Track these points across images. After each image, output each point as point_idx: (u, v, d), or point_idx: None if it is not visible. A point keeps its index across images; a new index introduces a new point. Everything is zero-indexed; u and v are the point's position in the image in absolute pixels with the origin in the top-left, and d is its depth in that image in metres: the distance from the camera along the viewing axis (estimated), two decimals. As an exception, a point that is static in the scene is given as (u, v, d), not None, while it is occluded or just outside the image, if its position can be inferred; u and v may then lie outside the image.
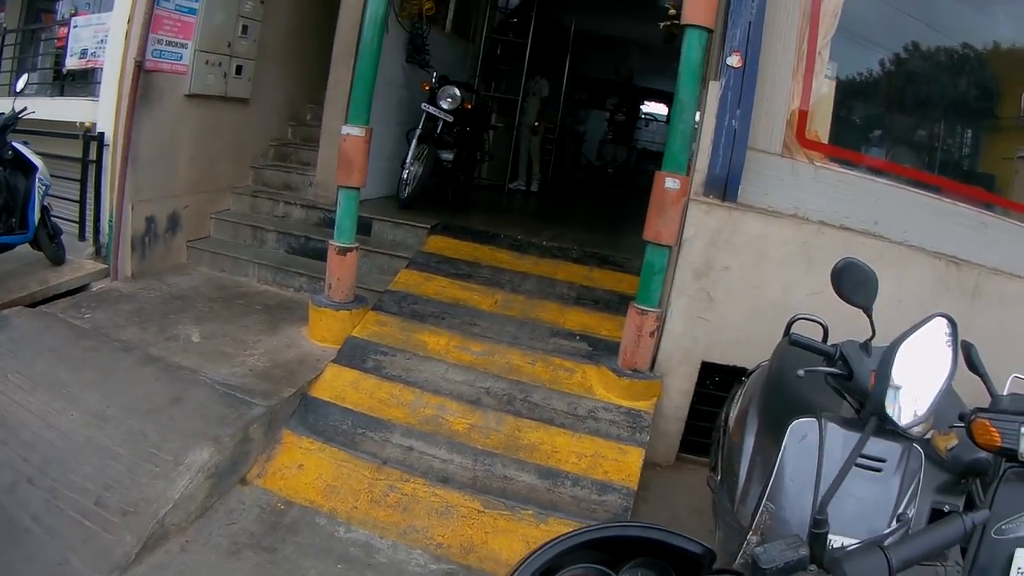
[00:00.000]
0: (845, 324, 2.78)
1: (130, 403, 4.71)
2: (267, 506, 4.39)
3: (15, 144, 5.89)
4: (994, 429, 2.74)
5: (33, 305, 5.85)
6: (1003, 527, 2.70)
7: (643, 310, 5.19)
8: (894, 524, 2.36)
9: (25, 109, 5.97)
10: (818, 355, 2.74)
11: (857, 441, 1.85)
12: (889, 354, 2.05)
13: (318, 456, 4.73)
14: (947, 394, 2.84)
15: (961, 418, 2.86)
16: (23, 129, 6.10)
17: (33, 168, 5.96)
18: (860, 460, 2.39)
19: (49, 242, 6.28)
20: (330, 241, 5.88)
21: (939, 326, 2.17)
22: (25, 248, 6.15)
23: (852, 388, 2.59)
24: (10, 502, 4.04)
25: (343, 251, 5.81)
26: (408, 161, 8.01)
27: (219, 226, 7.65)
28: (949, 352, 2.20)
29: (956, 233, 5.10)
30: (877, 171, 5.42)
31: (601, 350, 5.64)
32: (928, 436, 3.29)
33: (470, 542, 4.24)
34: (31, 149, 6.04)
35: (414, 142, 8.08)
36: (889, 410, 2.22)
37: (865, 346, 2.62)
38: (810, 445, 2.50)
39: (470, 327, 5.90)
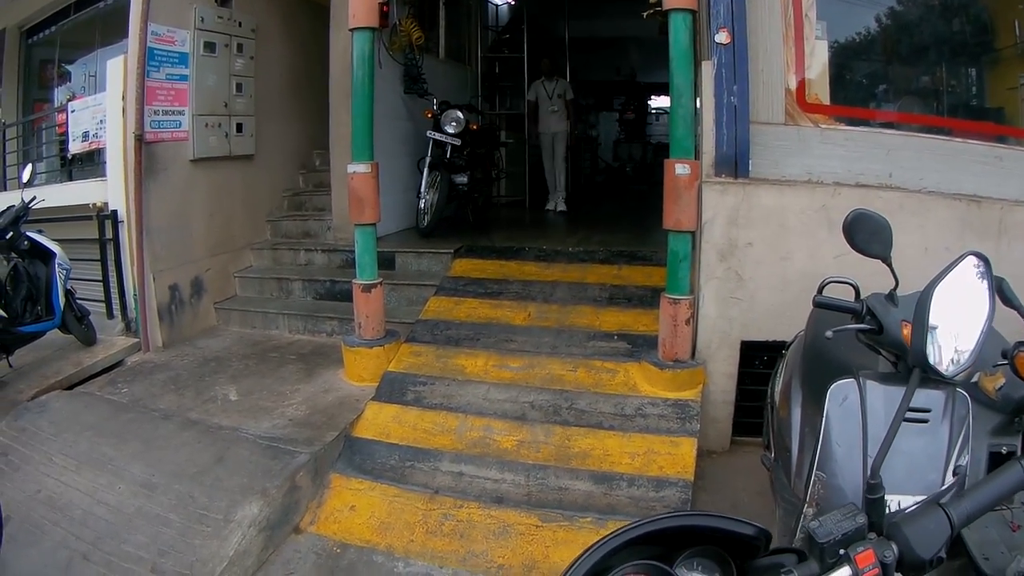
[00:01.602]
0: (876, 280, 2.66)
1: (175, 469, 4.69)
2: (323, 551, 4.33)
3: (30, 234, 5.92)
4: None
5: (71, 387, 5.86)
6: None
7: (675, 299, 5.14)
8: (949, 476, 2.26)
9: (35, 199, 6.01)
10: (846, 314, 2.67)
11: (903, 396, 1.76)
12: (924, 300, 1.93)
13: (368, 495, 4.66)
14: (988, 333, 2.72)
15: (1004, 355, 2.78)
16: (39, 218, 6.16)
17: (51, 255, 5.99)
18: (906, 415, 2.28)
19: (78, 324, 6.31)
20: (353, 280, 5.85)
21: (970, 265, 2.04)
22: (56, 334, 6.17)
23: (884, 341, 2.51)
24: None
25: (367, 288, 5.77)
26: (423, 190, 8.00)
27: (244, 283, 7.66)
28: (985, 290, 2.08)
29: (973, 172, 4.97)
30: (885, 123, 5.36)
31: (640, 346, 5.55)
32: (975, 379, 3.17)
33: (531, 559, 4.15)
34: (46, 236, 6.07)
35: (425, 170, 8.08)
36: (931, 359, 2.09)
37: (891, 296, 2.55)
38: (852, 406, 2.42)
39: (506, 344, 5.84)
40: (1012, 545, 2.77)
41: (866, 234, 2.56)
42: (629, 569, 1.47)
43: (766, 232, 5.02)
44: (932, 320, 1.98)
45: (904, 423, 2.28)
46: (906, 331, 2.40)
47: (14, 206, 5.87)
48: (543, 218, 8.62)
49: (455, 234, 8.03)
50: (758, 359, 5.21)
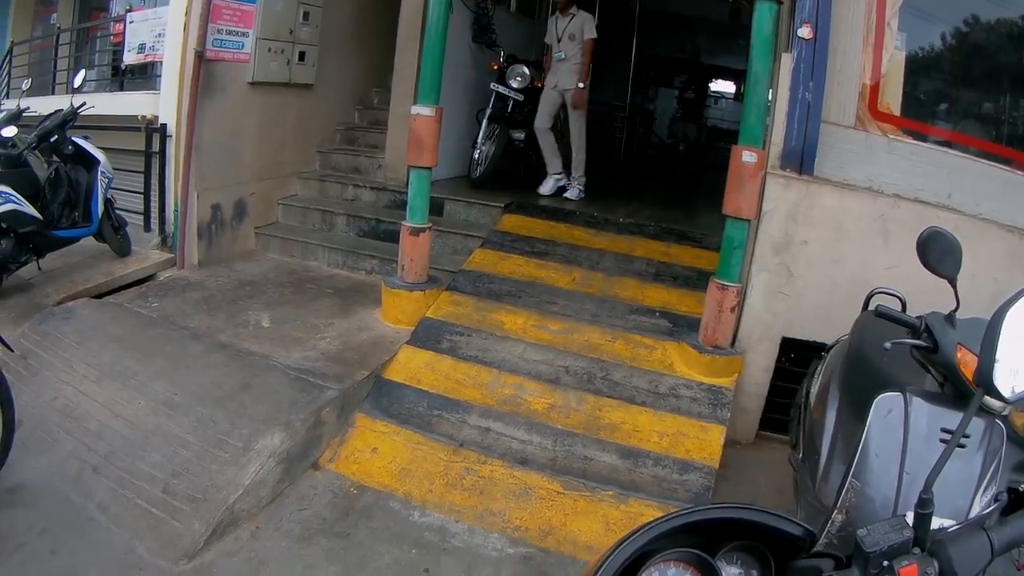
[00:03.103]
0: (923, 297, 2.73)
1: (199, 390, 4.65)
2: (340, 491, 4.29)
3: (75, 139, 5.90)
4: None
5: (99, 296, 5.84)
6: None
7: (724, 285, 5.07)
8: (977, 503, 2.26)
9: (84, 104, 5.97)
10: (902, 327, 2.65)
11: (964, 415, 1.70)
12: (996, 320, 1.85)
13: (392, 439, 4.62)
14: None
15: None
16: (85, 125, 6.12)
17: (95, 162, 5.98)
18: (944, 435, 2.32)
19: (114, 234, 6.29)
20: (402, 222, 5.80)
21: None
22: (91, 241, 6.16)
23: (937, 361, 2.49)
24: (75, 492, 4.02)
25: (416, 231, 5.71)
26: (479, 141, 7.92)
27: (287, 211, 7.61)
28: None
29: None
30: (949, 143, 5.27)
31: (681, 327, 5.50)
32: (1006, 412, 3.12)
33: (549, 524, 4.10)
34: (92, 144, 6.04)
35: (485, 122, 8.01)
36: (995, 380, 1.98)
37: (950, 318, 2.53)
38: (895, 420, 2.42)
39: (548, 305, 5.77)
40: None
41: (939, 253, 2.55)
42: (672, 556, 1.47)
43: (823, 233, 4.99)
44: (1001, 343, 1.90)
45: (942, 446, 2.26)
46: (960, 355, 2.40)
47: (62, 110, 5.85)
48: (594, 185, 8.49)
49: (506, 189, 7.94)
50: (787, 356, 5.21)
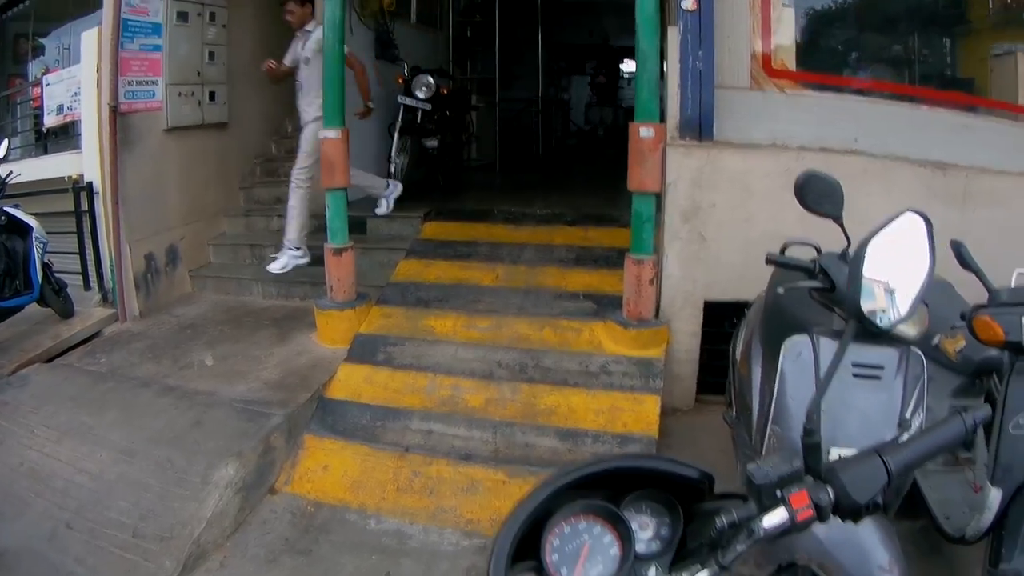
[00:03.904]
0: (839, 243, 2.75)
1: (153, 435, 4.80)
2: (298, 510, 4.47)
3: (7, 209, 5.96)
4: (996, 324, 2.74)
5: (50, 360, 5.94)
6: (1020, 421, 2.72)
7: (639, 259, 5.22)
8: (906, 434, 2.30)
9: (12, 173, 6.09)
10: (801, 272, 2.74)
11: (838, 344, 1.76)
12: (859, 252, 1.93)
13: (341, 454, 4.79)
14: (948, 295, 2.81)
15: (963, 317, 2.86)
16: (16, 193, 6.24)
17: (28, 228, 6.03)
18: (858, 370, 2.39)
19: (56, 297, 6.36)
20: (325, 244, 5.95)
21: (909, 221, 2.00)
22: (34, 308, 6.25)
23: (837, 299, 2.59)
24: (51, 550, 4.12)
25: (339, 251, 5.87)
26: (393, 155, 8.06)
27: (218, 251, 7.71)
28: (925, 247, 2.05)
29: (940, 139, 5.08)
30: (852, 90, 5.44)
31: (606, 306, 5.64)
32: (935, 342, 3.28)
33: (499, 513, 4.27)
34: (23, 211, 6.12)
35: (396, 135, 8.15)
36: (867, 311, 2.10)
37: (844, 256, 2.63)
38: (806, 362, 2.49)
39: (475, 304, 5.94)
40: (973, 505, 2.91)
41: (817, 194, 2.64)
42: (578, 509, 1.47)
43: (730, 194, 5.12)
44: (869, 273, 1.99)
45: (857, 379, 2.35)
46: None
47: None
48: (513, 181, 8.65)
49: (426, 198, 8.07)
50: (725, 319, 5.24)
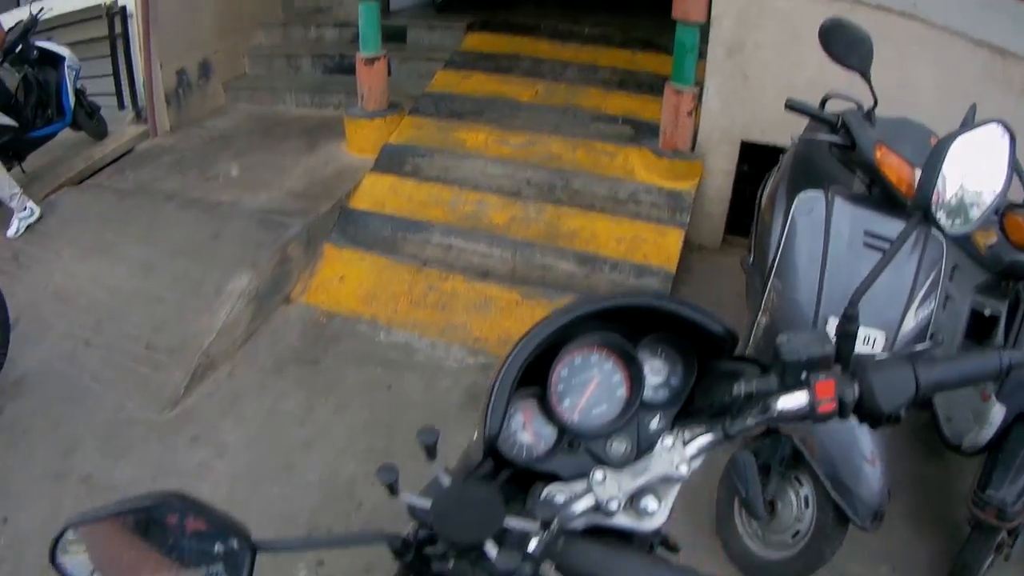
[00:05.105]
0: (886, 105, 2.55)
1: (173, 248, 4.84)
2: (310, 321, 4.49)
3: (39, 43, 5.97)
4: None
5: (80, 182, 5.96)
6: None
7: (679, 89, 5.02)
8: (911, 318, 2.25)
9: (42, 10, 6.02)
10: (822, 124, 2.61)
11: (898, 236, 1.64)
12: (940, 149, 1.72)
13: (359, 265, 4.78)
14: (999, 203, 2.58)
15: (996, 211, 2.68)
16: (53, 27, 6.37)
17: (60, 59, 6.04)
18: (869, 239, 2.31)
19: (89, 120, 6.37)
20: (357, 53, 5.76)
21: (994, 132, 1.76)
22: (69, 132, 6.28)
23: (856, 159, 2.47)
24: (71, 368, 4.25)
25: (370, 61, 5.68)
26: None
27: (253, 62, 7.52)
28: (1005, 162, 1.79)
29: (1005, 27, 4.67)
30: None
31: (644, 133, 5.45)
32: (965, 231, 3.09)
33: (507, 333, 4.25)
34: (55, 42, 6.14)
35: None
36: (934, 209, 1.87)
37: (869, 116, 2.48)
38: (817, 220, 2.40)
39: (510, 120, 5.76)
40: (977, 413, 2.80)
41: (844, 44, 2.47)
42: (594, 340, 1.37)
43: (777, 36, 4.84)
44: (945, 171, 1.78)
45: (867, 249, 2.28)
46: (879, 154, 2.37)
47: (22, 20, 5.90)
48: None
49: (471, 8, 7.73)
50: (761, 161, 5.08)
